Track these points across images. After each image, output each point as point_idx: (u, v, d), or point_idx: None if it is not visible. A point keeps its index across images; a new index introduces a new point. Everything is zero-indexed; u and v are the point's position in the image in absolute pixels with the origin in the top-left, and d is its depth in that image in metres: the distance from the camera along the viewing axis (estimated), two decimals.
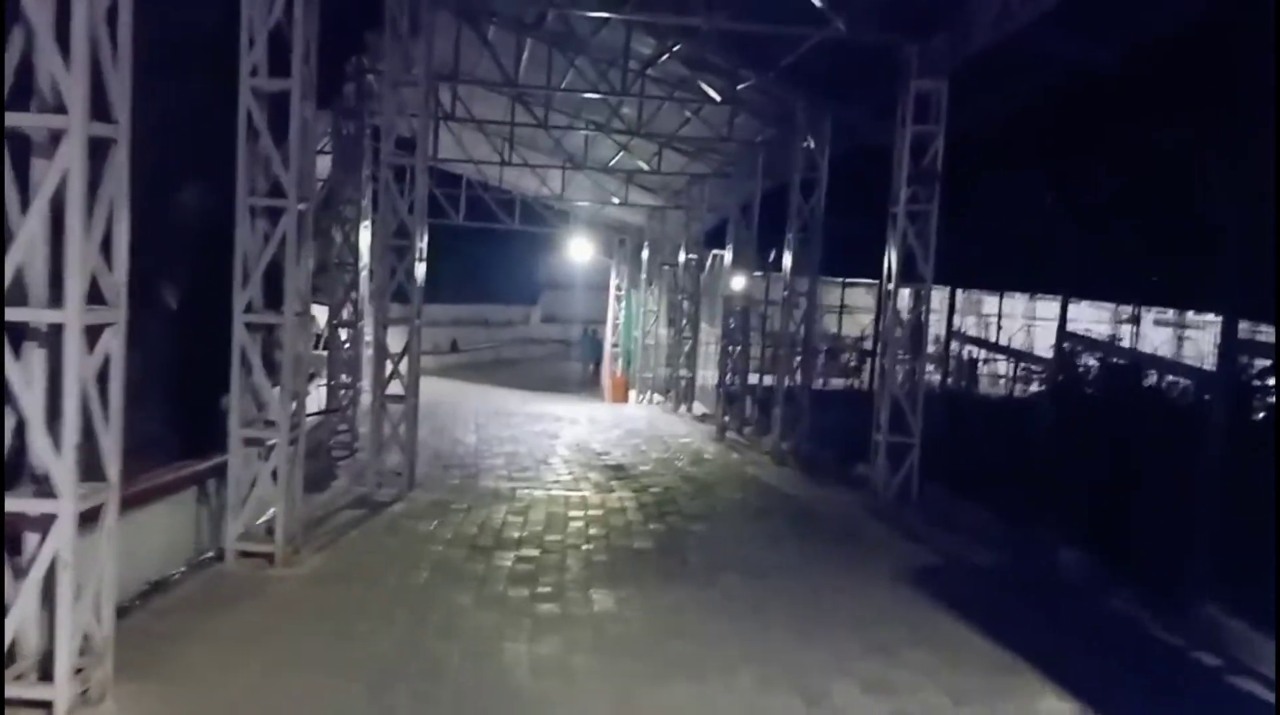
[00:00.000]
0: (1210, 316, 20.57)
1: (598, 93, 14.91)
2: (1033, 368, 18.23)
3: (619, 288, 26.46)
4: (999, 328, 22.61)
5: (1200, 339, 22.21)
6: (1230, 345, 7.64)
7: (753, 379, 17.93)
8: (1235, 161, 7.99)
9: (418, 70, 10.86)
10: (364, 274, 15.01)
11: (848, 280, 22.74)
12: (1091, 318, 20.24)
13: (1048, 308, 25.43)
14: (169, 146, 7.39)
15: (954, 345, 16.75)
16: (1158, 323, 25.32)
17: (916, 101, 10.96)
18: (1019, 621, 7.25)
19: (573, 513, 10.43)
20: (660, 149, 18.27)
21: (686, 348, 21.42)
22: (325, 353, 14.75)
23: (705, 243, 21.09)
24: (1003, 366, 21.77)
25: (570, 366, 30.39)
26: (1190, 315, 21.85)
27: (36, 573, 4.70)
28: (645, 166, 19.08)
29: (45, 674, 4.77)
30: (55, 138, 4.47)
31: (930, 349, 12.41)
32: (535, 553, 8.71)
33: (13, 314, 4.48)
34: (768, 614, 7.26)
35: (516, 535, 9.32)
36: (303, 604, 6.95)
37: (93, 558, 4.97)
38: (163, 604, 6.73)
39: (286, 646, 6.12)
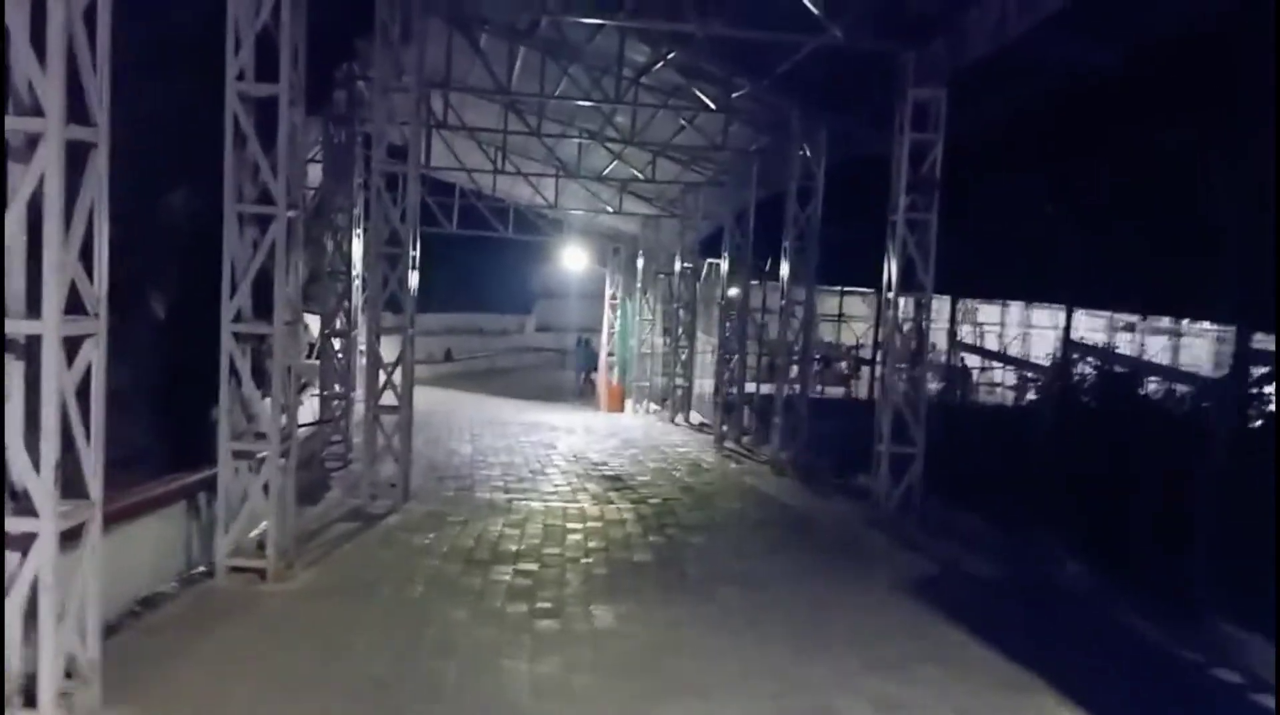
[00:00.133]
0: (1206, 324, 20.58)
1: (591, 101, 14.77)
2: (1029, 376, 18.17)
3: (614, 296, 26.30)
4: (1001, 336, 22.51)
5: (1195, 346, 22.22)
6: (1243, 352, 7.51)
7: (750, 387, 17.78)
8: (1237, 163, 7.90)
9: (409, 77, 10.72)
10: (357, 283, 14.85)
11: (845, 288, 22.61)
12: (1087, 326, 20.17)
13: (1043, 316, 25.41)
14: (155, 151, 7.27)
15: (954, 354, 16.72)
16: (1155, 331, 25.31)
17: (914, 109, 10.84)
18: (1027, 634, 7.09)
19: (571, 525, 10.27)
20: (654, 157, 18.14)
21: (683, 356, 21.27)
22: (318, 362, 14.58)
23: (700, 251, 20.96)
24: (998, 374, 21.72)
25: (565, 375, 30.20)
26: (1185, 323, 21.82)
27: (17, 594, 4.53)
28: (639, 175, 18.94)
29: (29, 699, 4.60)
30: (32, 142, 4.31)
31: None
32: (533, 566, 8.54)
33: None
34: (770, 628, 7.10)
35: (514, 548, 9.15)
36: (295, 621, 6.77)
37: (77, 577, 4.80)
38: (152, 622, 6.56)
39: (279, 666, 5.94)
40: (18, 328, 4.42)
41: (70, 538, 4.72)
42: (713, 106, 14.50)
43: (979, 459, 11.36)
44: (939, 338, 15.44)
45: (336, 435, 13.84)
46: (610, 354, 25.99)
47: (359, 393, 13.47)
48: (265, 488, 7.41)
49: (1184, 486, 7.96)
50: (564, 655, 6.41)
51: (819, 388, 18.20)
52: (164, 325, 8.07)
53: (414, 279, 10.88)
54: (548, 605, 7.44)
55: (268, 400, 7.47)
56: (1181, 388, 12.38)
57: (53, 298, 4.35)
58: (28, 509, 4.44)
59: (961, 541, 9.77)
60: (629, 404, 24.05)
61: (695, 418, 20.51)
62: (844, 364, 24.10)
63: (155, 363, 7.87)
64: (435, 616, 7.02)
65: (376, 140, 10.90)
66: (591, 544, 9.50)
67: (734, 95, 13.91)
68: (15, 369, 4.51)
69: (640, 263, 24.21)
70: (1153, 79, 8.99)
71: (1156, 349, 23.58)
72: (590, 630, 6.98)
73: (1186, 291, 11.45)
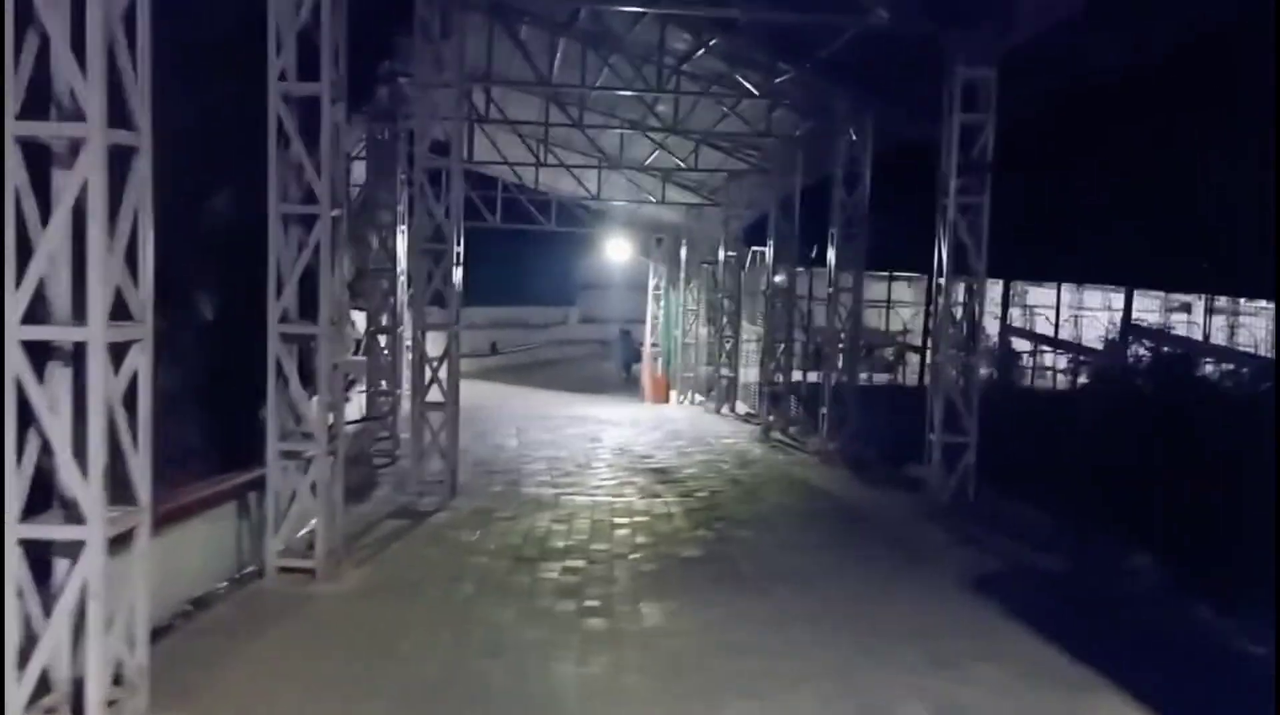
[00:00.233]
0: (1263, 303, 20.01)
1: (632, 90, 14.67)
2: (1083, 360, 17.76)
3: (657, 287, 26.16)
4: (1055, 319, 22.03)
5: (1252, 325, 21.62)
6: None
7: (796, 376, 17.57)
8: None
9: (450, 73, 10.66)
10: (401, 279, 14.88)
11: (893, 274, 22.29)
12: (1140, 307, 19.67)
13: (1094, 298, 24.83)
14: (200, 154, 7.25)
15: (1001, 339, 16.38)
16: (1212, 310, 24.65)
17: (964, 90, 10.58)
18: (1092, 634, 6.84)
19: (618, 519, 10.18)
20: (697, 146, 17.99)
21: (728, 346, 21.09)
22: (364, 359, 14.63)
23: (744, 239, 20.75)
24: (1048, 358, 21.27)
25: (609, 367, 30.17)
26: (1243, 302, 21.25)
27: (66, 601, 4.53)
28: (682, 164, 18.80)
29: (77, 706, 4.60)
30: (75, 147, 4.28)
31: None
32: (581, 563, 8.46)
33: (35, 333, 4.31)
34: (825, 627, 6.94)
35: (561, 545, 9.08)
36: (344, 622, 6.76)
37: (125, 583, 4.80)
38: (202, 624, 6.59)
39: (327, 669, 5.92)
40: (64, 334, 4.41)
41: (119, 544, 4.71)
42: (755, 93, 14.32)
43: (1033, 447, 11.10)
44: (989, 323, 15.13)
45: (384, 431, 13.88)
46: (654, 345, 25.87)
47: (406, 388, 13.51)
48: (313, 487, 7.41)
49: (1248, 473, 7.69)
50: (613, 655, 6.32)
51: (866, 375, 17.92)
52: (212, 327, 8.08)
53: (458, 274, 10.84)
54: (596, 603, 7.36)
55: (315, 400, 7.47)
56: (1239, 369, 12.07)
57: (98, 304, 4.32)
58: (76, 517, 4.43)
59: (1019, 534, 9.52)
60: (673, 395, 23.92)
61: (741, 408, 20.33)
62: (889, 351, 23.76)
63: (204, 364, 7.89)
64: (483, 616, 6.96)
65: (419, 136, 10.88)
66: (639, 539, 9.41)
67: (777, 81, 13.71)
68: (63, 376, 4.50)
69: (684, 252, 24.05)
70: (1211, 61, 8.69)
71: (1213, 329, 23.03)
72: (639, 629, 6.89)
73: (1245, 270, 11.13)
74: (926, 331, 16.94)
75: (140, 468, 4.72)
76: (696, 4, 11.57)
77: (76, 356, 4.44)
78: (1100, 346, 17.08)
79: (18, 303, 4.27)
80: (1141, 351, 12.96)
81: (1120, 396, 11.27)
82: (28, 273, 4.26)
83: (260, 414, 7.52)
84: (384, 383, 14.47)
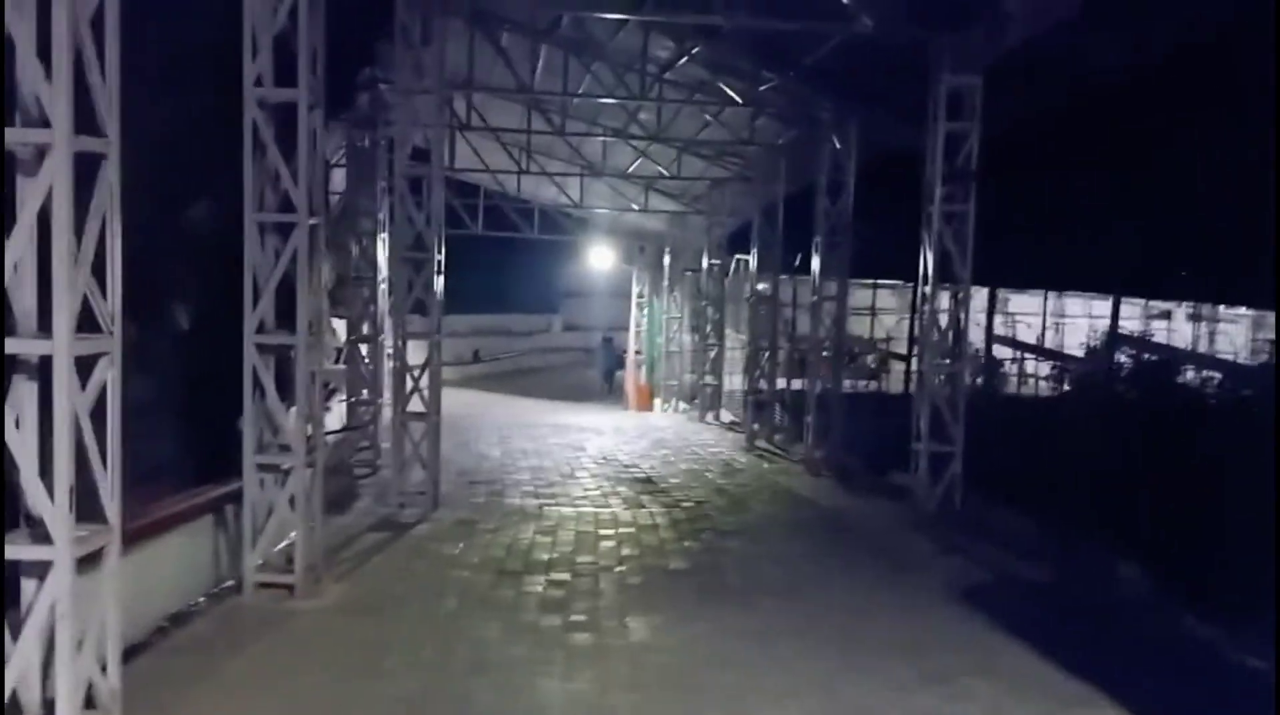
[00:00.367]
0: (1242, 309, 20.11)
1: (615, 98, 14.56)
2: (1067, 368, 17.78)
3: (641, 295, 26.07)
4: (1040, 327, 22.06)
5: (1230, 332, 21.74)
6: None
7: (780, 384, 17.49)
8: None
9: (430, 79, 10.54)
10: (383, 287, 14.71)
11: (877, 282, 22.28)
12: (1120, 314, 19.73)
13: (1076, 306, 24.90)
14: (176, 160, 7.11)
15: (987, 346, 16.35)
16: (1191, 317, 24.77)
17: (949, 98, 10.55)
18: (1085, 645, 6.78)
19: (603, 531, 10.06)
20: (680, 154, 17.90)
21: (712, 354, 21.01)
22: (345, 367, 14.46)
23: (727, 247, 20.69)
24: (1030, 366, 21.30)
25: (593, 375, 30.04)
26: (1222, 309, 21.38)
27: (35, 622, 4.38)
28: (665, 172, 18.71)
29: None
30: (40, 154, 4.14)
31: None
32: (566, 576, 8.34)
33: None
34: (813, 640, 6.85)
35: (546, 557, 8.96)
36: (324, 639, 6.61)
37: (96, 602, 4.65)
38: (179, 641, 6.43)
39: (307, 688, 5.77)
40: (28, 347, 4.26)
41: (89, 561, 4.56)
42: (739, 101, 14.24)
43: (1018, 455, 11.06)
44: (973, 330, 15.10)
45: (365, 441, 13.71)
46: (638, 352, 25.77)
47: (387, 397, 13.34)
48: (291, 500, 7.26)
49: (1233, 479, 7.66)
50: (600, 671, 6.20)
51: (849, 383, 17.86)
52: (187, 336, 7.93)
53: (439, 282, 10.70)
54: (582, 618, 7.24)
55: (293, 411, 7.32)
56: (1218, 375, 12.09)
57: (63, 315, 4.18)
58: (43, 536, 4.28)
59: (1006, 544, 9.46)
60: (657, 403, 23.82)
61: (725, 416, 20.25)
62: (870, 358, 23.71)
63: (180, 374, 7.73)
64: (467, 632, 6.83)
65: (400, 143, 10.76)
66: (625, 551, 9.29)
67: (760, 89, 13.65)
68: (28, 391, 4.35)
69: (667, 260, 23.98)
70: (1209, 64, 8.67)
71: (1192, 336, 23.16)
72: (626, 644, 6.77)
73: (1229, 278, 11.15)
74: (911, 339, 16.90)
75: (109, 485, 4.57)
76: (680, 11, 11.49)
77: (43, 370, 4.30)
78: (1082, 354, 17.12)
79: None
80: (1123, 358, 12.98)
81: (1105, 403, 11.26)
82: None
83: (238, 425, 7.37)
84: (365, 392, 14.29)
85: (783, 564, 9.08)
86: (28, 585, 4.47)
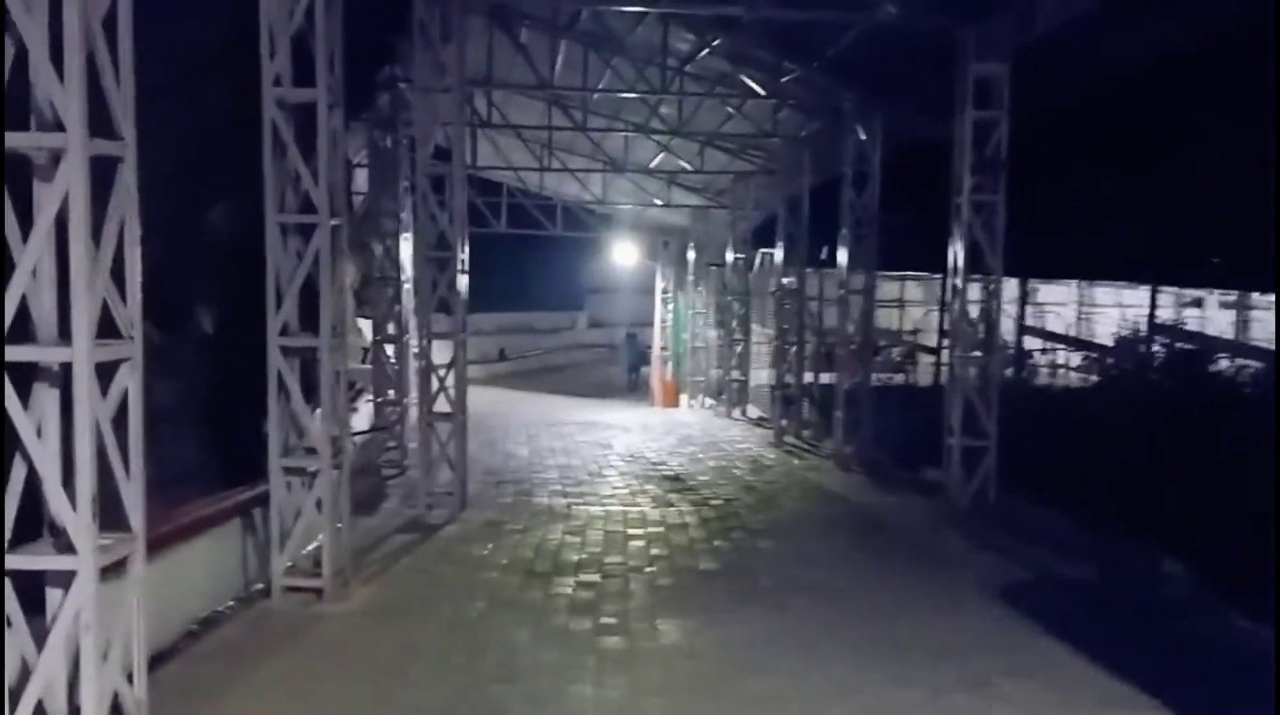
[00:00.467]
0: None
1: (636, 92, 14.44)
2: (1100, 358, 17.51)
3: (665, 290, 25.94)
4: (1072, 317, 21.78)
5: (1265, 319, 21.36)
6: None
7: (808, 378, 17.32)
8: None
9: (450, 77, 10.46)
10: (407, 287, 14.66)
11: (905, 274, 22.05)
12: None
13: (1105, 295, 24.54)
14: (197, 162, 7.07)
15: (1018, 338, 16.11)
16: (1223, 305, 24.38)
17: (976, 87, 10.34)
18: (1126, 645, 6.61)
19: (632, 530, 9.95)
20: (702, 148, 17.74)
21: (738, 349, 20.85)
22: (371, 368, 14.44)
23: (752, 241, 20.51)
24: (1059, 356, 21.01)
25: (618, 372, 29.96)
26: (1255, 296, 21.03)
27: (59, 632, 4.32)
28: (687, 166, 18.56)
29: None
30: (55, 158, 4.07)
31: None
32: (595, 578, 8.24)
33: (17, 353, 4.09)
34: (849, 642, 6.71)
35: (575, 558, 8.86)
36: (352, 645, 6.54)
37: (121, 611, 4.59)
38: (207, 647, 6.40)
39: (335, 696, 5.71)
40: (49, 355, 4.20)
41: (115, 570, 4.51)
42: (761, 93, 14.09)
43: (1052, 448, 10.86)
44: (1004, 322, 14.88)
45: (392, 442, 13.68)
46: (663, 348, 25.64)
47: (413, 397, 13.30)
48: (319, 503, 7.20)
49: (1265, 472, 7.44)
50: (632, 676, 6.10)
51: (881, 376, 17.66)
52: (210, 340, 7.89)
53: (463, 282, 10.62)
54: (612, 621, 7.14)
55: (318, 413, 7.26)
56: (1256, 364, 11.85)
57: (82, 322, 4.11)
58: (66, 546, 4.22)
59: (1043, 540, 9.27)
60: (683, 399, 23.69)
61: (753, 412, 20.08)
62: (896, 351, 23.46)
63: (202, 379, 7.71)
64: (496, 636, 6.74)
65: (421, 142, 10.69)
66: (654, 551, 9.18)
67: (782, 80, 13.47)
68: (50, 398, 4.30)
69: (691, 255, 23.83)
70: (1235, 53, 8.44)
71: (1225, 324, 22.79)
72: (658, 647, 6.67)
73: (1262, 264, 10.87)
74: (941, 331, 16.67)
75: (133, 493, 4.51)
76: (699, 3, 11.35)
77: (63, 378, 4.23)
78: (1113, 343, 16.84)
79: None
80: (1155, 348, 12.74)
81: (1141, 394, 11.04)
82: (9, 290, 4.05)
83: (263, 428, 7.32)
84: (391, 392, 14.27)
85: (815, 563, 8.93)
86: (52, 595, 4.42)
